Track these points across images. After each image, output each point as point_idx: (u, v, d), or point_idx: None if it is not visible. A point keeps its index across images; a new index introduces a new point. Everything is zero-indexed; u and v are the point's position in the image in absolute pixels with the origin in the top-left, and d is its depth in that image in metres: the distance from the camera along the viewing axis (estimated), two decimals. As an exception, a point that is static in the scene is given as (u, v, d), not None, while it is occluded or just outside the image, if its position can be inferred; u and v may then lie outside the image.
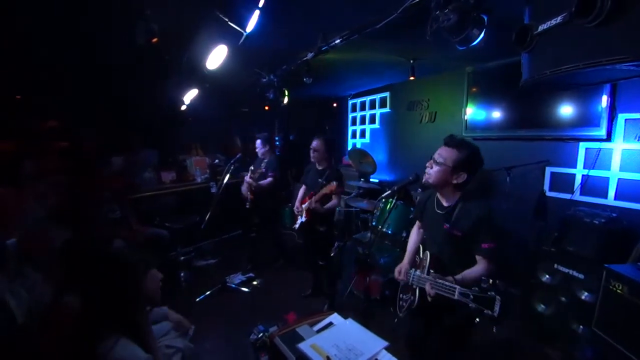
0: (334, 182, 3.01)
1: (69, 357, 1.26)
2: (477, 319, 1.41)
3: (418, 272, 1.85)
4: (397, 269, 2.00)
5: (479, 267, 1.68)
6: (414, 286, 1.85)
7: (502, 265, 1.73)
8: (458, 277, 1.63)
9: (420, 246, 2.05)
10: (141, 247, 3.15)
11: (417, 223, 2.18)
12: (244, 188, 4.06)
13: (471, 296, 1.41)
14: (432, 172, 1.76)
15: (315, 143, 3.24)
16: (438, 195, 1.88)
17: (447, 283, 1.57)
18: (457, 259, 1.76)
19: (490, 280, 1.41)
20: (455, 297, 1.48)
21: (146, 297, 1.44)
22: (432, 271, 1.74)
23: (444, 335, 1.87)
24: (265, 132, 4.51)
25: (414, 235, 2.17)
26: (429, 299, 1.63)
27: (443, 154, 1.74)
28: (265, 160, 4.09)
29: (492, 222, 1.71)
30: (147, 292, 1.43)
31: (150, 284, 1.46)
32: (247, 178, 3.91)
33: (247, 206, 4.08)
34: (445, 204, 1.83)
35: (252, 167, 4.08)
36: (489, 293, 1.37)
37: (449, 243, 1.78)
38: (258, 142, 4.15)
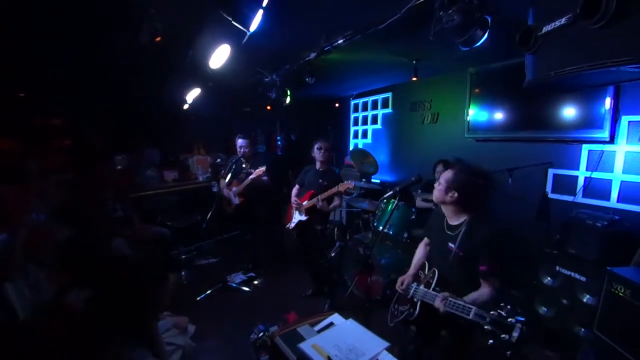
0: (352, 181, 3.11)
1: (74, 355, 1.25)
2: (492, 341, 1.41)
3: (422, 287, 1.88)
4: (400, 280, 2.04)
5: (483, 290, 1.71)
6: (415, 299, 1.87)
7: (503, 267, 1.74)
8: (468, 299, 1.64)
9: (426, 263, 2.06)
10: (144, 245, 3.17)
11: (425, 239, 2.21)
12: (229, 192, 3.90)
13: (488, 319, 1.42)
14: (436, 195, 1.89)
15: (325, 143, 3.31)
16: (446, 214, 1.93)
17: (460, 302, 1.58)
18: (463, 279, 1.79)
19: (509, 307, 1.42)
20: (470, 317, 1.49)
21: (162, 303, 1.41)
22: (437, 289, 1.77)
23: (441, 350, 1.89)
24: (252, 132, 4.43)
25: (421, 250, 2.20)
26: (441, 309, 1.64)
27: (444, 175, 1.86)
28: (252, 161, 3.87)
29: (493, 244, 1.73)
30: (163, 299, 1.40)
31: (167, 290, 1.43)
32: (254, 175, 3.62)
33: (229, 212, 3.96)
34: (451, 223, 1.88)
35: (223, 172, 3.74)
36: (509, 320, 1.37)
37: (454, 263, 1.80)
38: (243, 141, 3.82)
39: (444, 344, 1.89)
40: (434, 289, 1.79)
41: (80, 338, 1.18)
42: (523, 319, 1.36)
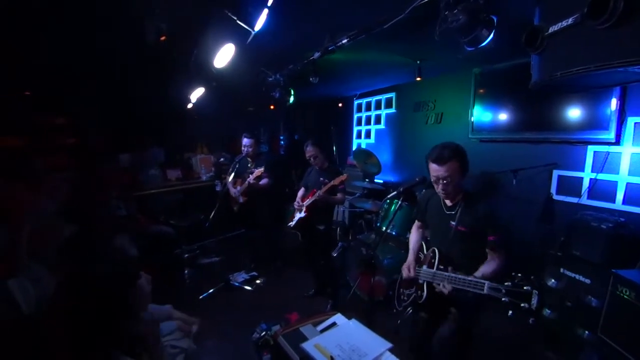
0: (345, 174, 3.11)
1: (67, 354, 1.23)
2: (511, 312, 1.41)
3: (425, 267, 1.90)
4: (404, 266, 2.06)
5: (493, 261, 1.74)
6: (421, 281, 1.89)
7: (508, 267, 1.74)
8: (477, 274, 1.65)
9: (423, 244, 2.08)
10: (147, 243, 3.18)
11: (417, 223, 2.25)
12: (235, 191, 3.89)
13: (503, 290, 1.43)
14: (449, 190, 1.81)
15: (310, 151, 3.29)
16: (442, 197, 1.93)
17: (470, 278, 1.58)
18: (467, 255, 1.81)
19: (520, 275, 1.43)
20: (485, 291, 1.50)
21: (136, 308, 1.33)
22: (442, 267, 1.80)
23: (449, 336, 1.87)
24: (257, 131, 4.42)
25: (415, 234, 2.24)
26: (446, 292, 1.67)
27: (445, 171, 1.76)
28: (257, 160, 3.86)
29: (495, 216, 1.78)
30: (135, 304, 1.32)
31: (140, 294, 1.35)
32: (251, 179, 3.65)
33: (235, 209, 3.97)
34: (449, 203, 1.91)
35: (231, 171, 3.78)
36: (524, 288, 1.38)
37: (457, 240, 1.83)
38: (248, 141, 3.81)
39: (453, 324, 1.88)
40: (437, 268, 1.82)
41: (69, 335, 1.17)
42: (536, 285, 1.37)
